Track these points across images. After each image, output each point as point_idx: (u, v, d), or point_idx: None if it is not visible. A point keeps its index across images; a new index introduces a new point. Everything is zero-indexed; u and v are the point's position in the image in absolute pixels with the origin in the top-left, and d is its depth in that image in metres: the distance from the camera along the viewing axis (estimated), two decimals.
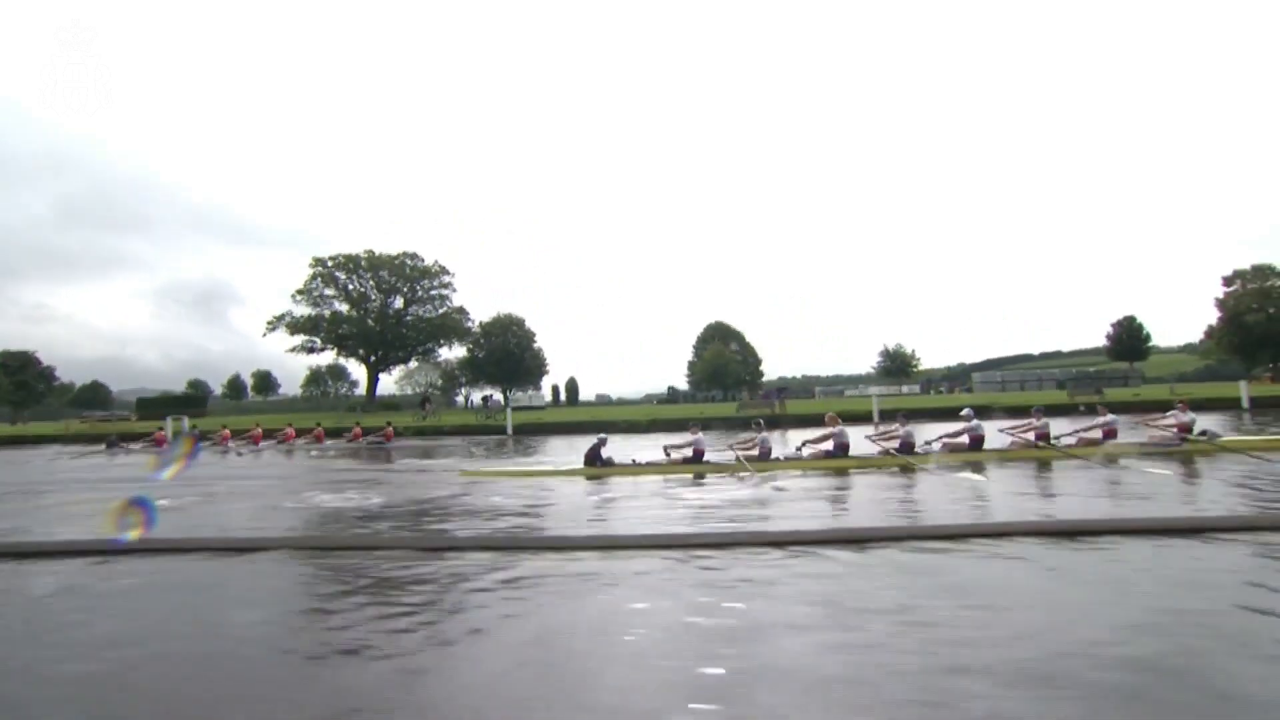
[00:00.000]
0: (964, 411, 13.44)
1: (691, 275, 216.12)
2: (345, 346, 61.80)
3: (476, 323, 63.15)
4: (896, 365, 76.12)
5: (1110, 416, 12.94)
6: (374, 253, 62.49)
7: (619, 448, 15.71)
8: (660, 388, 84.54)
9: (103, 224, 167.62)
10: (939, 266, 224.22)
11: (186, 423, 33.57)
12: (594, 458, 13.36)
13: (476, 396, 60.42)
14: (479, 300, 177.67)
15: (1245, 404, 28.31)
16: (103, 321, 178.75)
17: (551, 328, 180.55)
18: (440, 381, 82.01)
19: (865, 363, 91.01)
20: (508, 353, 61.81)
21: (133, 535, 6.48)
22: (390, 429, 25.80)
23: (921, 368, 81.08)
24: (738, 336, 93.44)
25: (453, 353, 65.67)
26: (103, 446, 27.04)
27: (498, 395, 67.01)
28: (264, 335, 60.21)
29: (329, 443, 26.04)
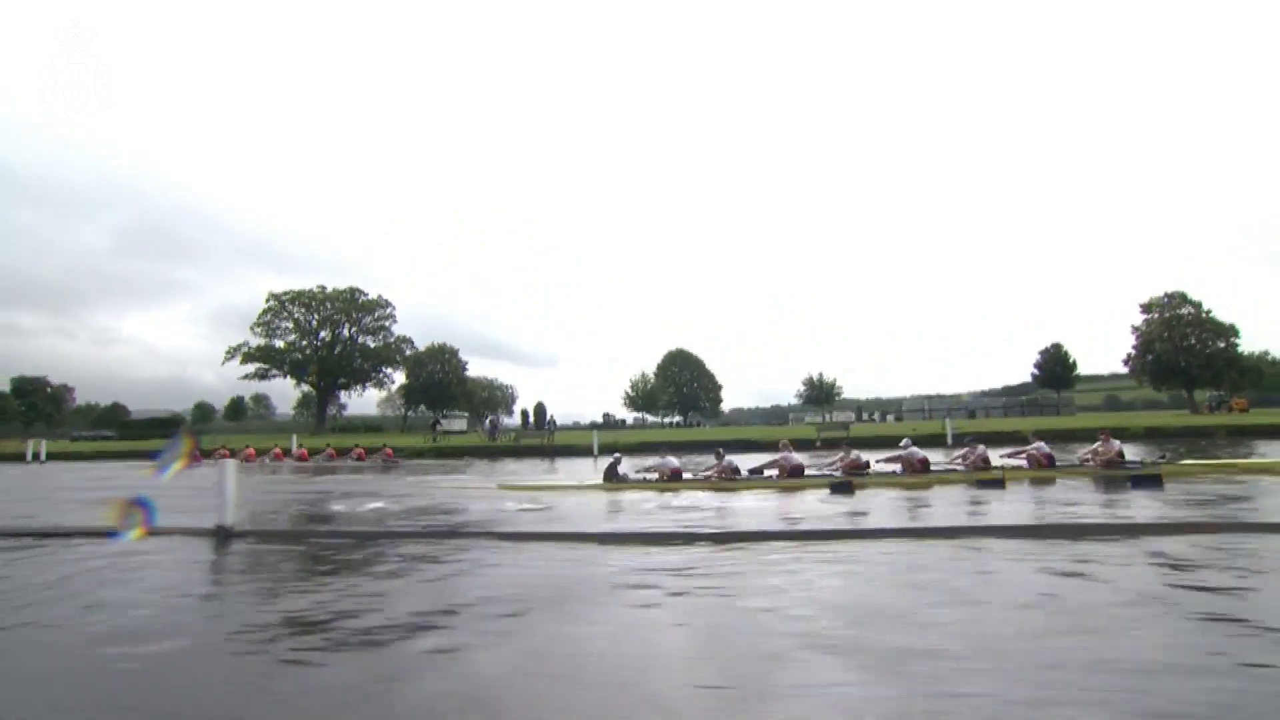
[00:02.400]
0: (902, 441, 14.71)
1: (646, 297, 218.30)
2: (296, 374, 67.72)
3: (409, 352, 68.51)
4: (819, 394, 77.47)
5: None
6: (324, 287, 68.73)
7: None
8: (611, 411, 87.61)
9: (156, 253, 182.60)
10: (871, 302, 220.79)
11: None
12: (612, 474, 14.74)
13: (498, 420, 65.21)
14: (480, 299, 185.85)
15: (1143, 434, 27.63)
16: (163, 344, 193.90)
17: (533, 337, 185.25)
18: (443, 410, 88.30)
19: (789, 391, 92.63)
20: (434, 381, 66.65)
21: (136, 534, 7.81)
22: (389, 449, 28.85)
23: (845, 396, 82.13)
24: (698, 364, 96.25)
25: (395, 379, 70.95)
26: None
27: (507, 420, 71.94)
28: (223, 363, 66.46)
29: (347, 460, 28.68)
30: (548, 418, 75.11)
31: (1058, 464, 13.97)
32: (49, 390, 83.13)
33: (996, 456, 14.59)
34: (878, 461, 14.59)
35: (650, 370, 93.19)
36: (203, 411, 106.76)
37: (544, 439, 37.19)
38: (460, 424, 62.99)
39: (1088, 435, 21.11)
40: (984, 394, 76.14)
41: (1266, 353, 79.45)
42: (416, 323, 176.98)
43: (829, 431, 31.35)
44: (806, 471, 13.99)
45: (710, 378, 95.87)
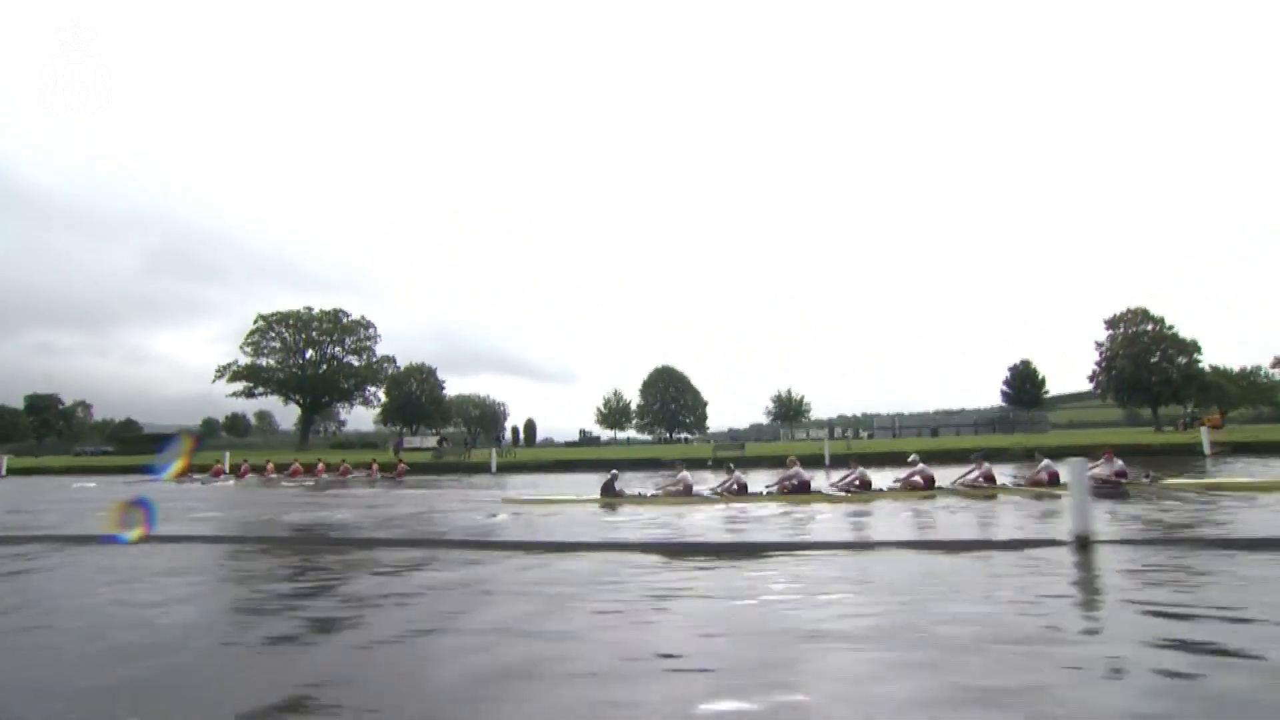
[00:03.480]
0: (911, 457, 15.14)
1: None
2: (282, 392, 70.73)
3: (389, 371, 71.19)
4: (787, 411, 77.89)
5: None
6: (310, 309, 71.87)
7: None
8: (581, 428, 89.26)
9: (183, 274, 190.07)
10: (850, 318, 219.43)
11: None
12: (608, 489, 15.30)
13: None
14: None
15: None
16: (191, 361, 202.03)
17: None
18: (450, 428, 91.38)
19: (758, 408, 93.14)
20: (410, 399, 69.08)
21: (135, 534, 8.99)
22: (403, 465, 29.48)
23: (814, 415, 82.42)
24: (683, 381, 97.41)
25: (380, 397, 73.61)
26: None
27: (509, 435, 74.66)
28: (213, 381, 69.70)
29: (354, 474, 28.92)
30: (504, 434, 77.09)
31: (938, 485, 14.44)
32: (60, 407, 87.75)
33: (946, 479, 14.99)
34: (894, 482, 15.00)
35: (631, 386, 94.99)
36: (209, 428, 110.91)
37: (503, 454, 37.93)
38: (430, 441, 65.09)
39: (1027, 455, 22.66)
40: (954, 413, 75.75)
41: (1254, 368, 78.16)
42: (434, 342, 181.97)
43: (723, 451, 32.59)
44: (814, 487, 14.61)
45: (695, 394, 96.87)
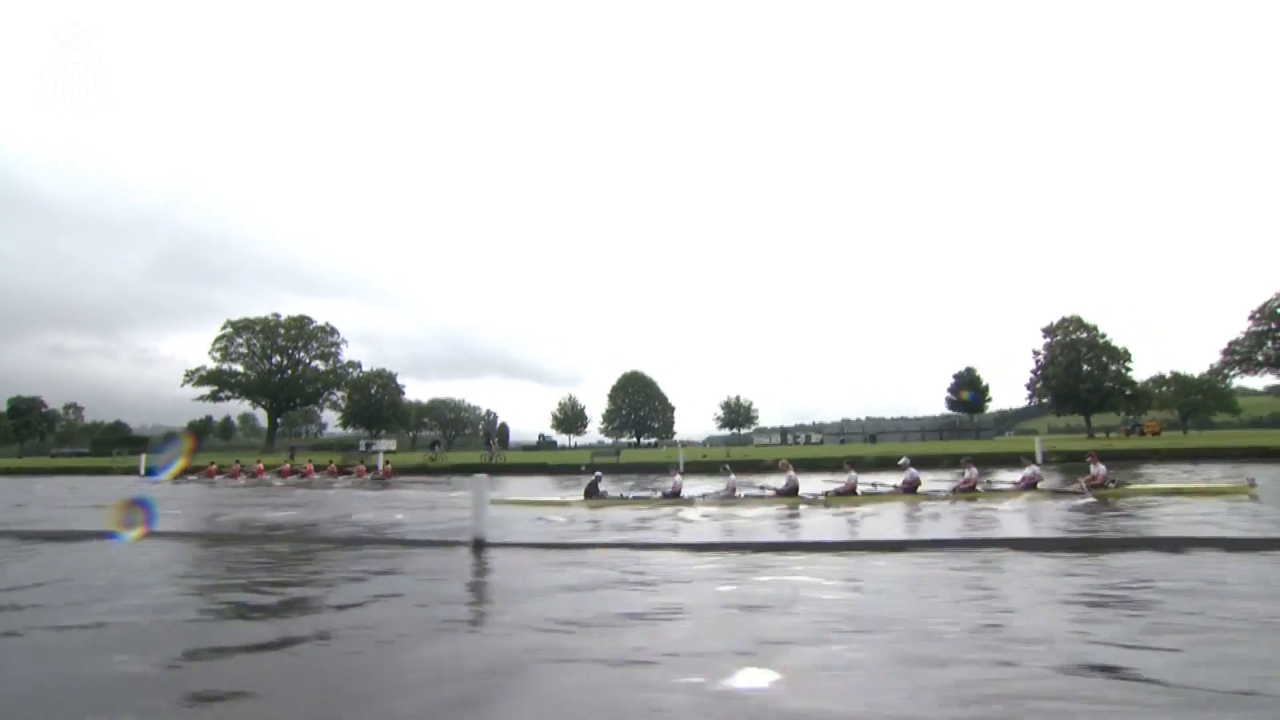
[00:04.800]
0: (901, 461, 15.75)
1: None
2: (249, 396, 72.96)
3: (352, 376, 73.33)
4: (736, 417, 79.15)
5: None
6: (278, 315, 74.14)
7: None
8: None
9: (190, 278, 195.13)
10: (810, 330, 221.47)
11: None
12: (592, 491, 15.72)
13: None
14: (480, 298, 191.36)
15: (1039, 458, 25.70)
16: (198, 363, 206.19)
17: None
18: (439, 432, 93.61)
19: (707, 414, 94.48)
20: (371, 403, 71.09)
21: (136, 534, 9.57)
22: (389, 466, 30.42)
23: (762, 423, 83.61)
24: (650, 386, 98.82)
25: (339, 402, 75.75)
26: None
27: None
28: (181, 386, 72.02)
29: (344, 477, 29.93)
30: (494, 437, 78.76)
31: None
32: (43, 410, 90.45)
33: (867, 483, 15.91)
34: (884, 486, 15.64)
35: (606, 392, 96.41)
36: (195, 429, 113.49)
37: (484, 458, 38.69)
38: (390, 444, 67.01)
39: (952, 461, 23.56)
40: (901, 419, 76.84)
41: (1216, 375, 78.57)
42: (442, 343, 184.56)
43: (601, 456, 34.22)
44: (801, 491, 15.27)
45: (663, 400, 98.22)
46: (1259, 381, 59.70)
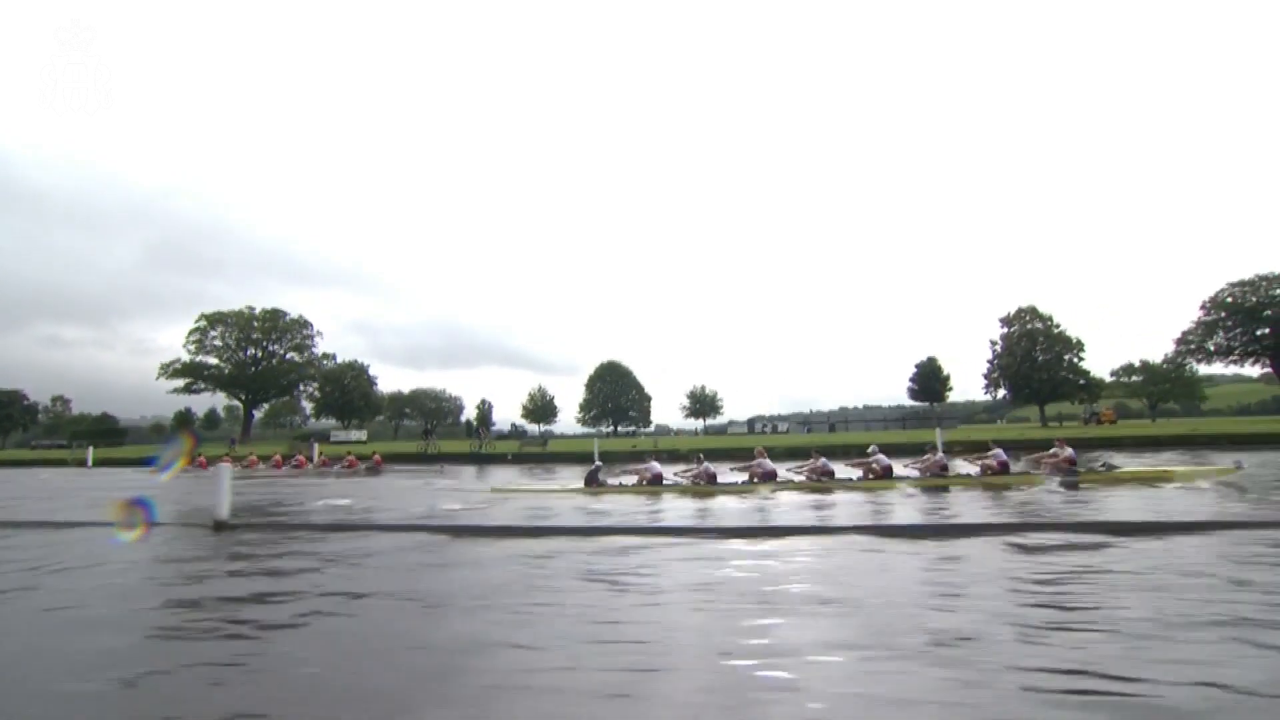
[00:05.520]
0: (870, 448, 16.02)
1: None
2: (224, 388, 73.92)
3: (325, 367, 74.34)
4: (701, 407, 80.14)
5: (940, 454, 15.80)
6: (252, 309, 74.93)
7: None
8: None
9: (184, 268, 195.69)
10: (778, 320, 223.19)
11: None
12: (592, 479, 15.94)
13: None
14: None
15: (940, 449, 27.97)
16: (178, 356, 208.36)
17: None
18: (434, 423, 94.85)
19: (674, 404, 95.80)
20: (344, 392, 72.13)
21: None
22: (378, 457, 30.32)
23: (727, 413, 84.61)
24: (627, 375, 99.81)
25: (314, 394, 76.80)
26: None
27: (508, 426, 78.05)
28: (156, 379, 72.93)
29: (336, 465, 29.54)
30: (490, 426, 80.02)
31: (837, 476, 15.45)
32: (25, 402, 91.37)
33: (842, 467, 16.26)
34: (846, 465, 16.26)
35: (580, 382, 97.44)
36: (181, 420, 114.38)
37: (473, 446, 38.23)
38: (360, 435, 68.12)
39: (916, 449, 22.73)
40: (866, 409, 77.96)
41: (1171, 364, 79.43)
42: (438, 333, 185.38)
43: (529, 446, 35.35)
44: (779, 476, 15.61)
45: (640, 389, 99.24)
46: (1254, 370, 58.31)
